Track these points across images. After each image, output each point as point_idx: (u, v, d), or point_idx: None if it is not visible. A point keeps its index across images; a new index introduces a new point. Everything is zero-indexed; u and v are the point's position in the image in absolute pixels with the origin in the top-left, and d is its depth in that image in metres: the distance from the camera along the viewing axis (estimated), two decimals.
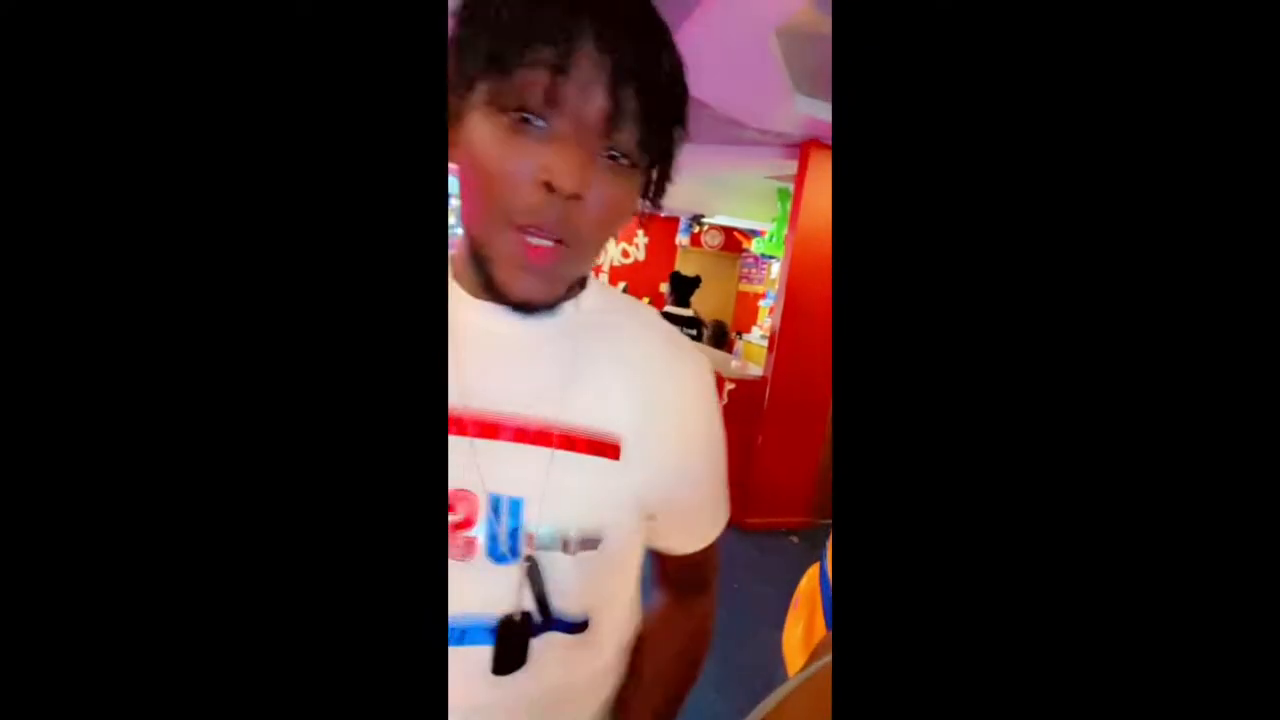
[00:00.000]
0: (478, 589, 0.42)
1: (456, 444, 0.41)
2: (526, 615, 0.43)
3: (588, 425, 0.44)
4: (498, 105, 0.36)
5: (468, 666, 0.42)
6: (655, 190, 0.43)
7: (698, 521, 0.53)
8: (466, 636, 0.42)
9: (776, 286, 3.28)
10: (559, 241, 0.38)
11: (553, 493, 0.43)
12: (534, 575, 0.42)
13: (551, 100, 0.35)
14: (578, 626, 0.46)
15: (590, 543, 0.45)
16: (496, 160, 0.36)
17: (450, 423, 0.41)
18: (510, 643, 0.43)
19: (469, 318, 0.43)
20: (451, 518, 0.41)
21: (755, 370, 3.23)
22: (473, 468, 0.41)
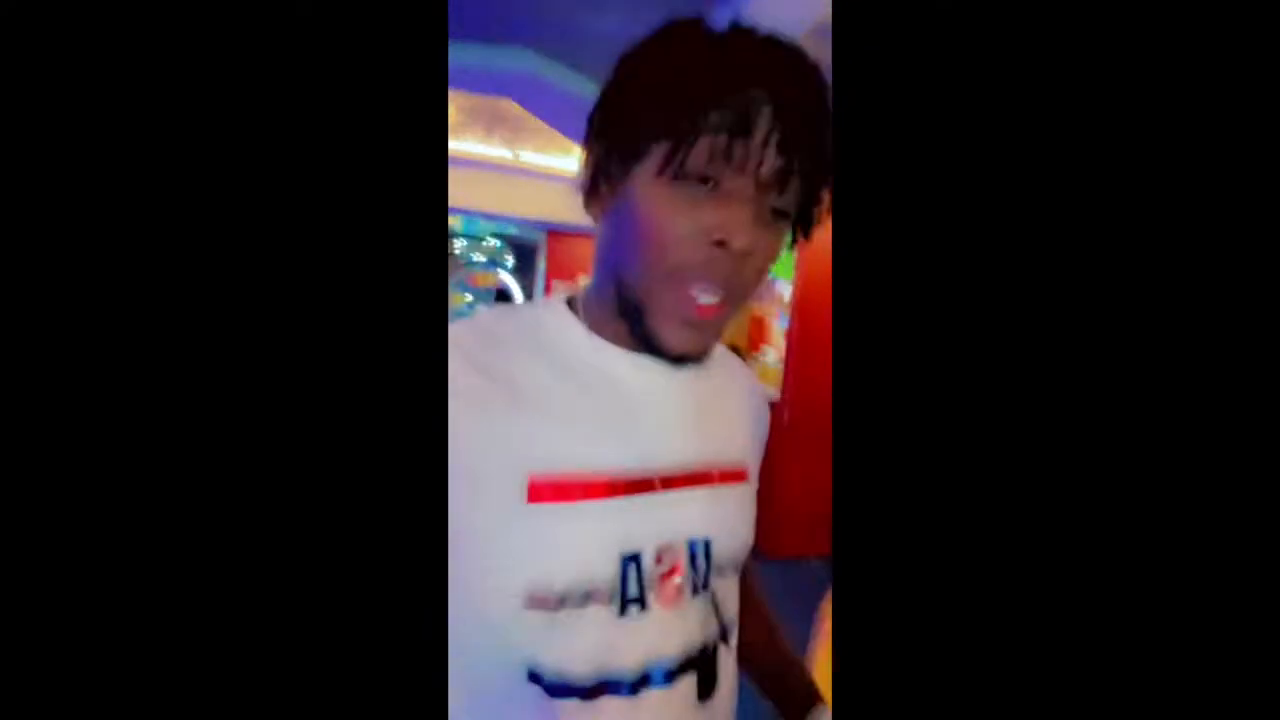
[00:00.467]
0: (680, 627, 0.43)
1: (648, 499, 0.42)
2: (717, 642, 0.46)
3: (733, 458, 0.49)
4: (672, 169, 0.36)
5: (676, 700, 0.43)
6: (801, 237, 0.44)
7: None
8: (672, 677, 0.43)
9: (787, 308, 3.27)
10: (724, 296, 0.39)
11: (728, 524, 0.47)
12: (717, 603, 0.46)
13: (727, 161, 0.36)
14: (730, 631, 0.50)
15: (742, 559, 0.50)
16: (668, 219, 0.37)
17: (639, 484, 0.43)
18: (710, 670, 0.45)
19: (627, 371, 0.44)
20: (659, 568, 0.42)
21: (770, 392, 3.21)
22: (661, 519, 0.43)
